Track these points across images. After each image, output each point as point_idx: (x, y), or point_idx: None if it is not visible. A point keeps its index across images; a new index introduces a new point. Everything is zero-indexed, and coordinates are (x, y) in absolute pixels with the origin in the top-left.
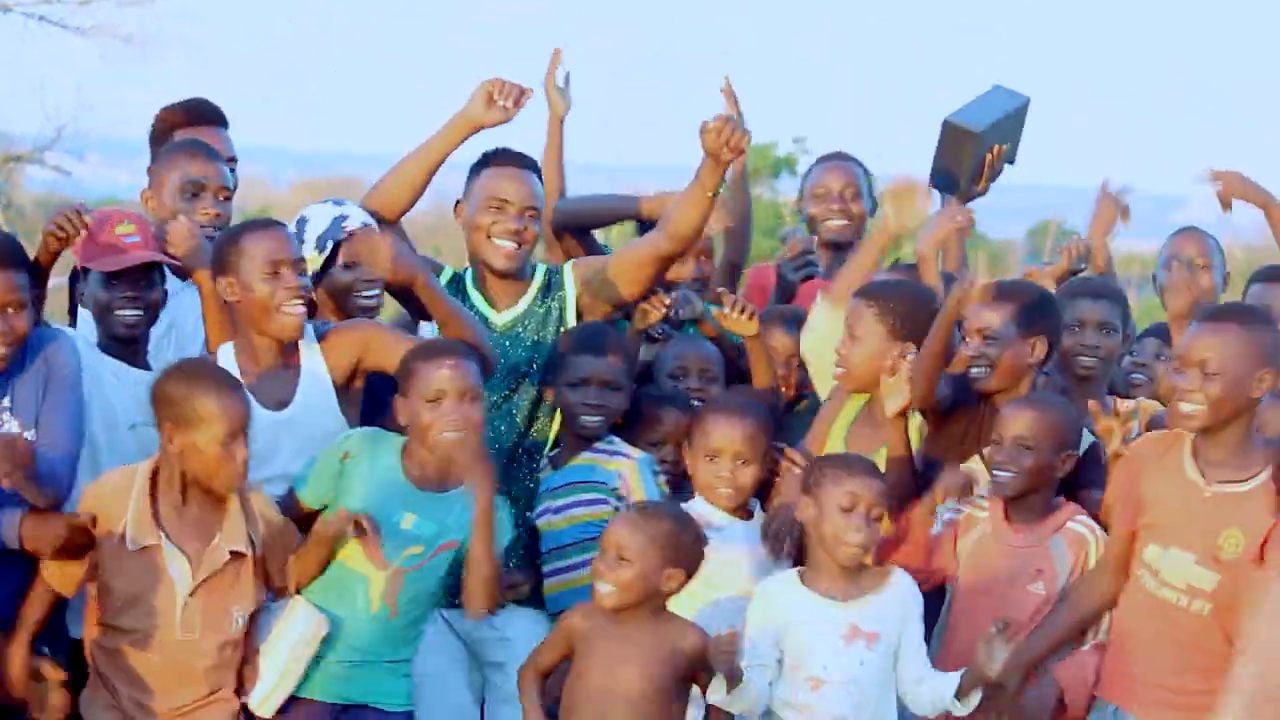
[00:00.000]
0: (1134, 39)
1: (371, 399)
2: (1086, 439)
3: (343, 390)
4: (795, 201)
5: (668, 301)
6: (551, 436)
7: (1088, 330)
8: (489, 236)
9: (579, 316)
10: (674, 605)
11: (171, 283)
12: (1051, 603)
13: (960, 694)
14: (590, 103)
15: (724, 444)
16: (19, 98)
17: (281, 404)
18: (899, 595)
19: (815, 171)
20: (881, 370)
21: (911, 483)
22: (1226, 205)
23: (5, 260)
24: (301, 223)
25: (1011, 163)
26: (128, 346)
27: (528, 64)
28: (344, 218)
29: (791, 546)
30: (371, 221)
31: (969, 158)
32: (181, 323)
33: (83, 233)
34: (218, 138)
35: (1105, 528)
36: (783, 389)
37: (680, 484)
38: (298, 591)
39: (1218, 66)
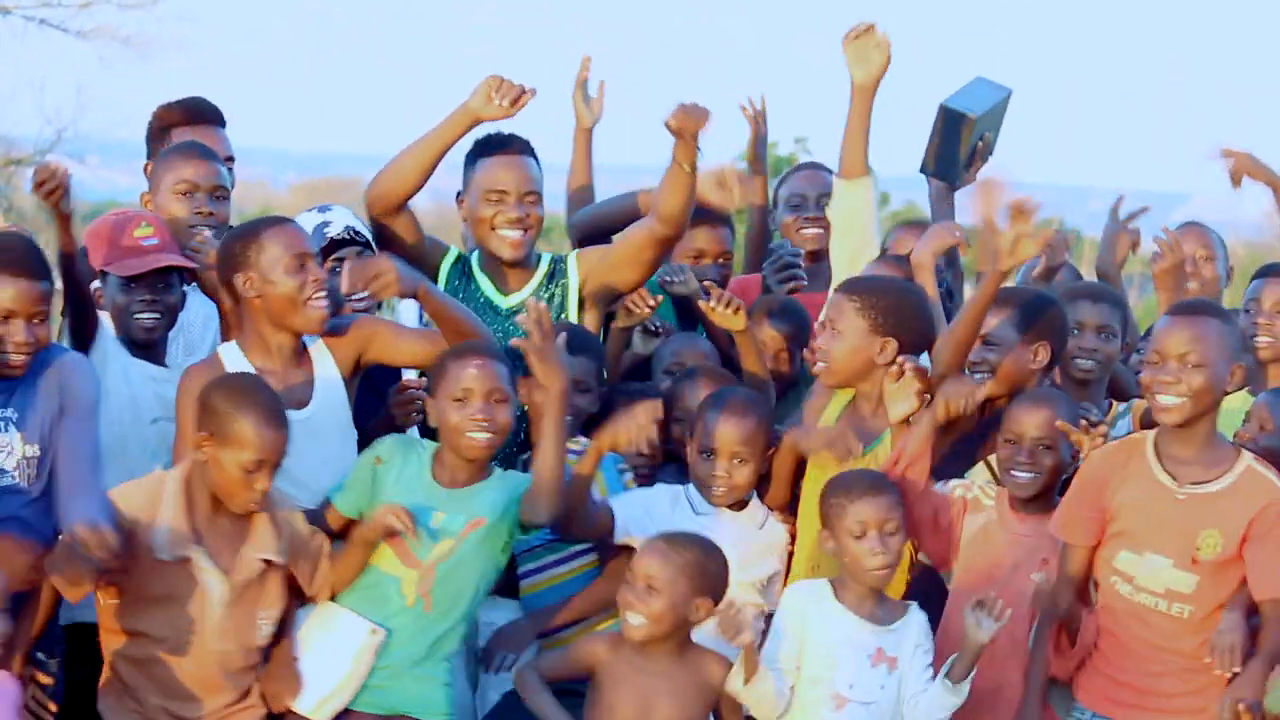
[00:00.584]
0: (1134, 36)
1: (371, 392)
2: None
3: (347, 385)
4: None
5: (651, 302)
6: None
7: (1086, 334)
8: (493, 229)
9: (581, 305)
10: None
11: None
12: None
13: (954, 676)
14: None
15: (722, 443)
16: (19, 100)
17: (301, 403)
18: (914, 627)
19: (790, 180)
20: (877, 372)
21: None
22: (1236, 182)
23: (29, 269)
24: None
25: (990, 153)
26: (147, 348)
27: (530, 64)
28: (326, 224)
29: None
30: (359, 225)
31: (963, 143)
32: (190, 323)
33: (64, 179)
34: (214, 137)
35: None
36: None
37: (652, 478)
38: (331, 598)
39: (1218, 63)
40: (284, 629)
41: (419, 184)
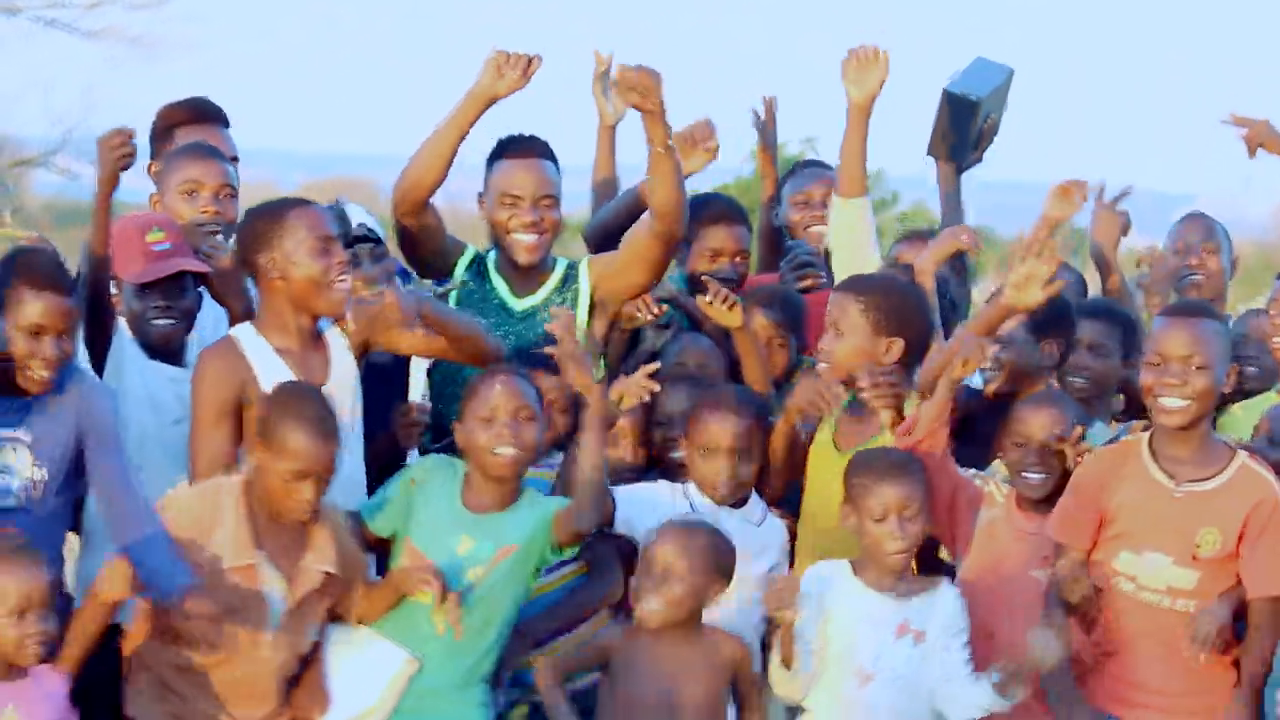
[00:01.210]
0: (1141, 36)
1: (381, 380)
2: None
3: (357, 365)
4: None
5: (655, 310)
6: None
7: (1080, 350)
8: (508, 232)
9: (593, 309)
10: None
11: None
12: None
13: (1001, 687)
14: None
15: (719, 441)
16: (26, 101)
17: (319, 382)
18: (944, 602)
19: (794, 178)
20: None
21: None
22: (1252, 152)
23: (57, 283)
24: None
25: (996, 133)
26: (165, 352)
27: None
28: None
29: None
30: (372, 222)
31: (969, 126)
32: (201, 323)
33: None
34: (218, 136)
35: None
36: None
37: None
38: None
39: (1226, 64)
40: (315, 644)
41: (442, 175)
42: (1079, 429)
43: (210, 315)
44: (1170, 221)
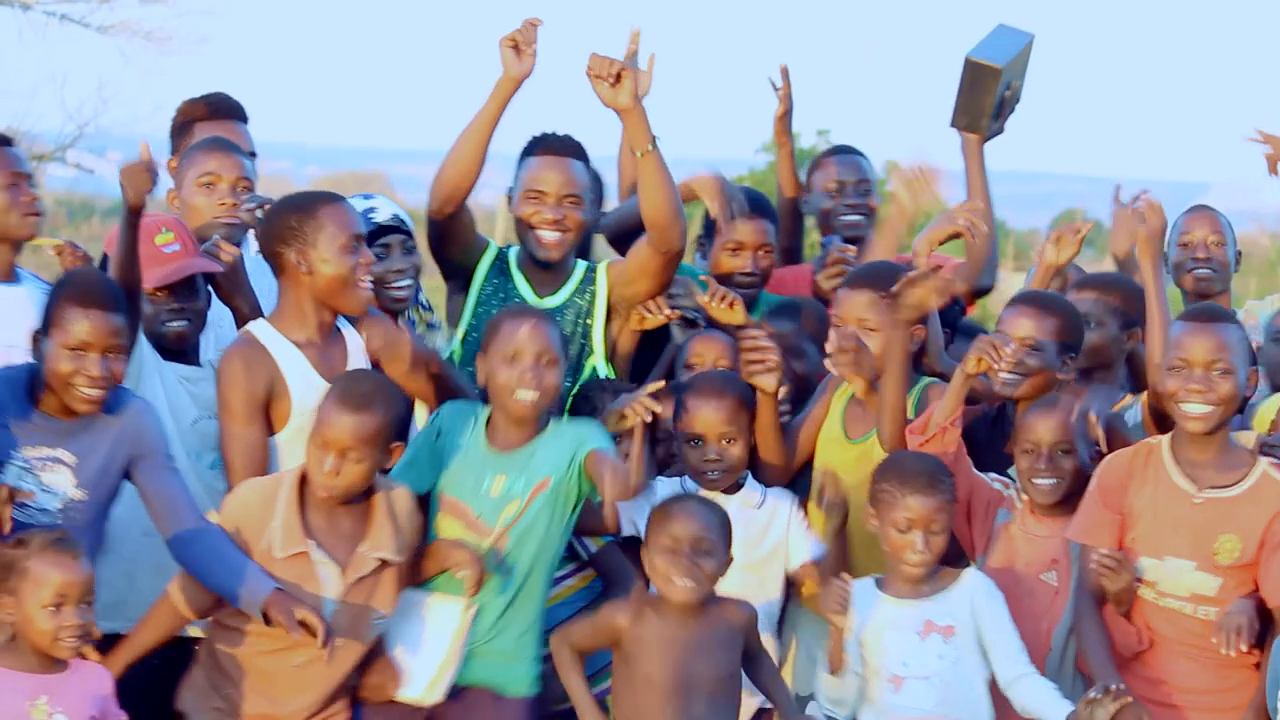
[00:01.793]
0: (1155, 25)
1: None
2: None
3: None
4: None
5: (667, 311)
6: None
7: None
8: (531, 228)
9: (609, 312)
10: None
11: None
12: (1064, 594)
13: None
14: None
15: (706, 426)
16: (40, 96)
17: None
18: (969, 590)
19: (824, 167)
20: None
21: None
22: (1273, 169)
23: (104, 301)
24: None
25: (1018, 101)
26: (179, 352)
27: (548, 54)
28: (372, 210)
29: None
30: (403, 214)
31: (990, 94)
32: (217, 321)
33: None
34: (236, 131)
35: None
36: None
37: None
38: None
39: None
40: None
41: (478, 170)
42: (1092, 417)
43: (228, 314)
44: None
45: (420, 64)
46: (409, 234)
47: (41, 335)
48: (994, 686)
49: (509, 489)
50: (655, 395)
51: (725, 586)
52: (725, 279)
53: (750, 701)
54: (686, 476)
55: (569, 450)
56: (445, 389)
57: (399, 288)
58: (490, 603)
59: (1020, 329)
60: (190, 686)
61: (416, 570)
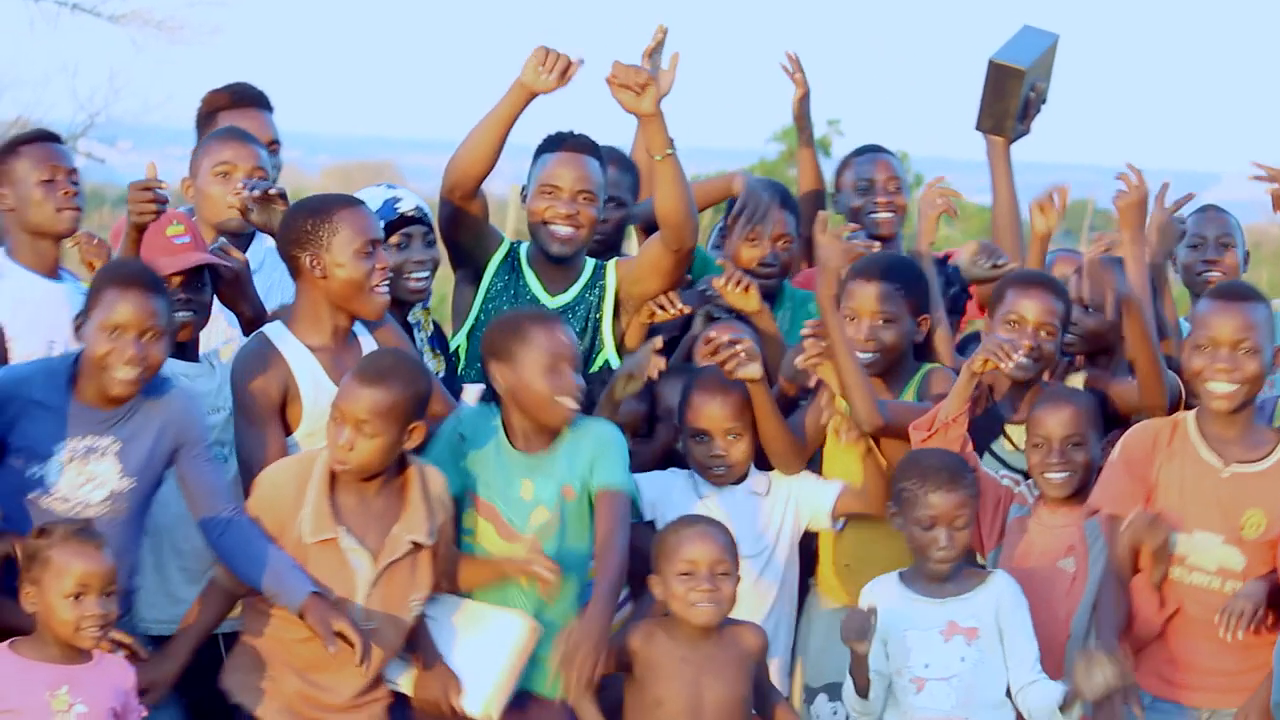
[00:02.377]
0: (1166, 14)
1: None
2: None
3: None
4: (832, 195)
5: (680, 307)
6: None
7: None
8: (544, 222)
9: (616, 310)
10: None
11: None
12: (1082, 580)
13: (1064, 706)
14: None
15: (711, 422)
16: (52, 85)
17: None
18: (995, 593)
19: (854, 165)
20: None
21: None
22: (1277, 206)
23: (146, 283)
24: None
25: (1044, 102)
26: (180, 346)
27: (560, 43)
28: (397, 200)
29: None
30: (425, 206)
31: (1014, 96)
32: (234, 317)
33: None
34: (260, 119)
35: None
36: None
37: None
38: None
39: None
40: (418, 629)
41: (490, 164)
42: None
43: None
44: (1195, 202)
45: (431, 53)
46: (431, 227)
47: (83, 318)
48: None
49: (537, 494)
50: (660, 374)
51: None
52: (745, 270)
53: None
54: (694, 471)
55: (588, 456)
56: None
57: (417, 279)
58: (529, 609)
59: (1034, 312)
60: (235, 667)
61: (471, 576)
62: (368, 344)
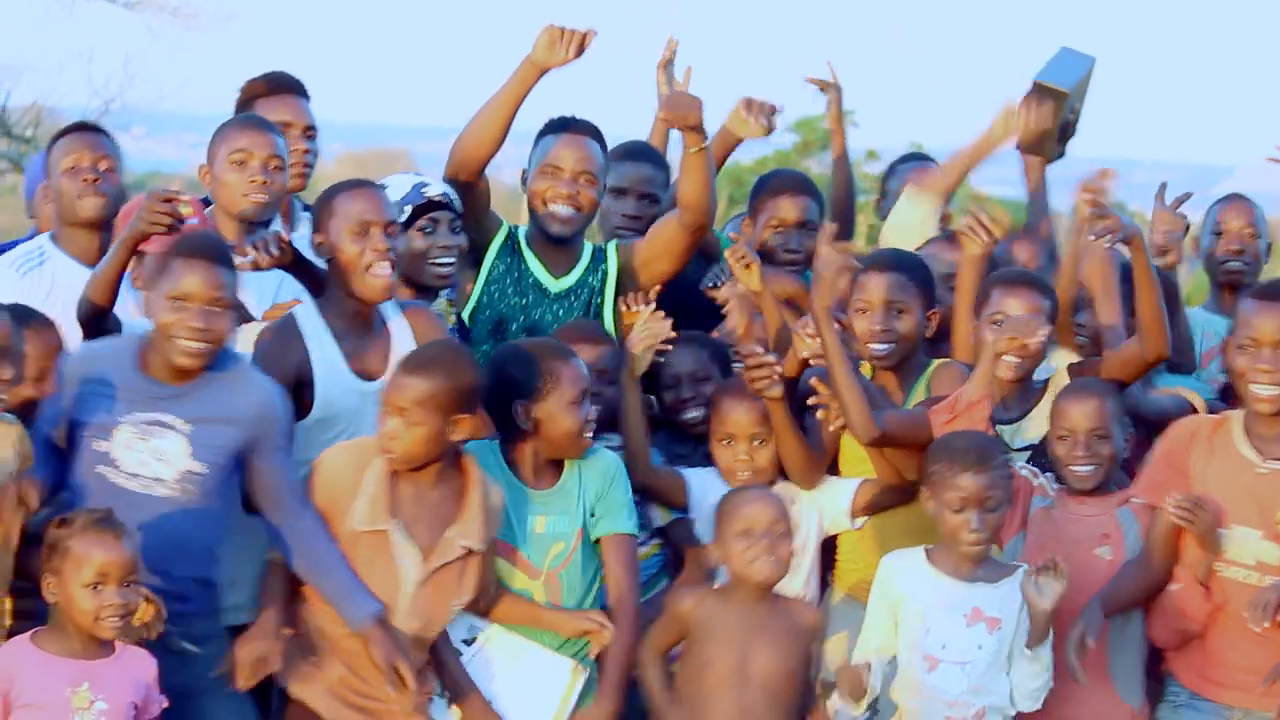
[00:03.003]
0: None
1: None
2: None
3: None
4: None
5: (649, 309)
6: None
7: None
8: (544, 203)
9: (618, 293)
10: None
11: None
12: (1119, 567)
13: (1030, 643)
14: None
15: (738, 427)
16: (68, 72)
17: (373, 373)
18: (1020, 590)
19: (898, 174)
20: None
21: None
22: None
23: (211, 255)
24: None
25: (1078, 122)
26: None
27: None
28: (424, 184)
29: None
30: (452, 192)
31: (1056, 117)
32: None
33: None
34: (296, 106)
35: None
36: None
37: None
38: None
39: (1264, 35)
40: (454, 663)
41: (497, 144)
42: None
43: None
44: (1208, 195)
45: (446, 40)
46: (458, 214)
47: (152, 293)
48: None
49: (551, 529)
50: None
51: None
52: (769, 257)
53: None
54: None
55: (594, 491)
56: None
57: (442, 264)
58: (553, 640)
59: (1020, 310)
60: (289, 652)
61: (512, 613)
62: (399, 330)
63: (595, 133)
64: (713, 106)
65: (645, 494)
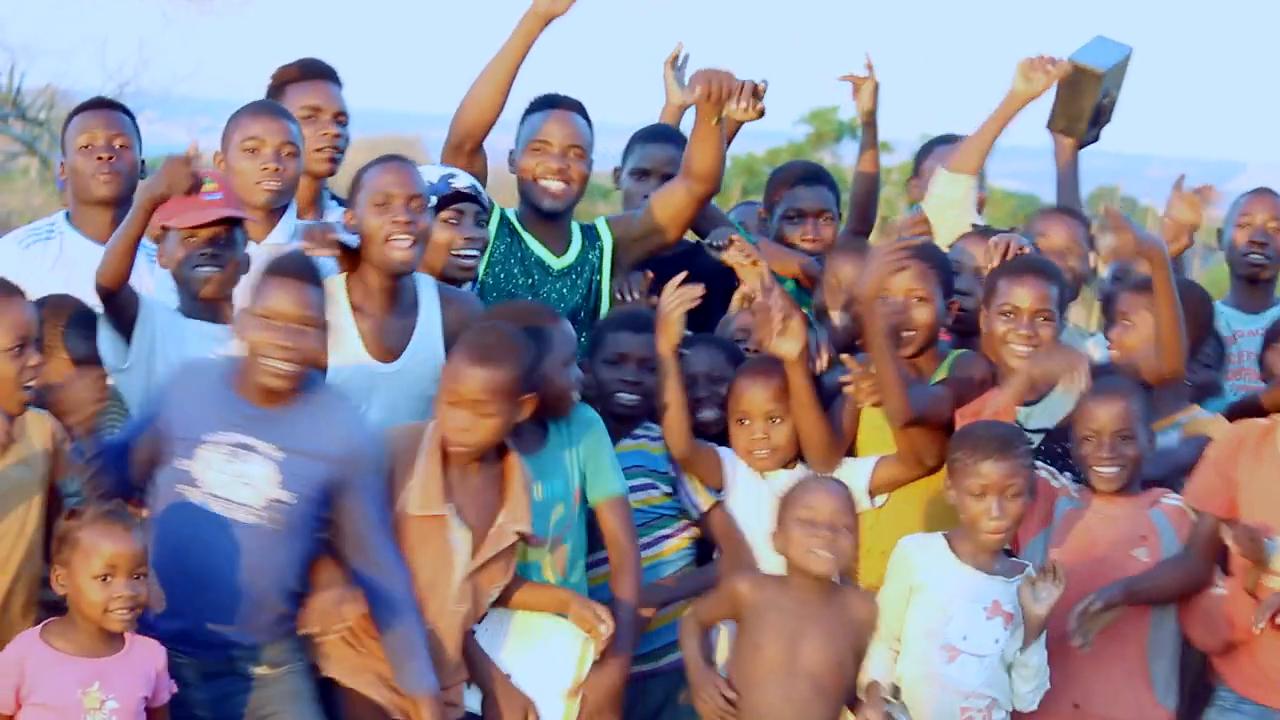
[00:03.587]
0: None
1: None
2: None
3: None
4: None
5: (635, 295)
6: None
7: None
8: (535, 179)
9: (613, 267)
10: None
11: None
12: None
13: (1021, 646)
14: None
15: (753, 405)
16: (82, 56)
17: (391, 354)
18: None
19: (933, 157)
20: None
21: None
22: None
23: (302, 274)
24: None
25: (1113, 110)
26: (210, 306)
27: (588, 35)
28: (452, 175)
29: None
30: (480, 186)
31: (1090, 98)
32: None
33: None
34: (327, 92)
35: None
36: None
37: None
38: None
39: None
40: (473, 647)
41: (500, 105)
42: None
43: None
44: (1223, 190)
45: (460, 28)
46: (484, 207)
47: (245, 312)
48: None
49: (549, 494)
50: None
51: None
52: (787, 247)
53: None
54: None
55: (585, 445)
56: None
57: (466, 256)
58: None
59: (1028, 300)
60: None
61: (531, 601)
62: (428, 315)
63: (580, 108)
64: None
65: (683, 470)
